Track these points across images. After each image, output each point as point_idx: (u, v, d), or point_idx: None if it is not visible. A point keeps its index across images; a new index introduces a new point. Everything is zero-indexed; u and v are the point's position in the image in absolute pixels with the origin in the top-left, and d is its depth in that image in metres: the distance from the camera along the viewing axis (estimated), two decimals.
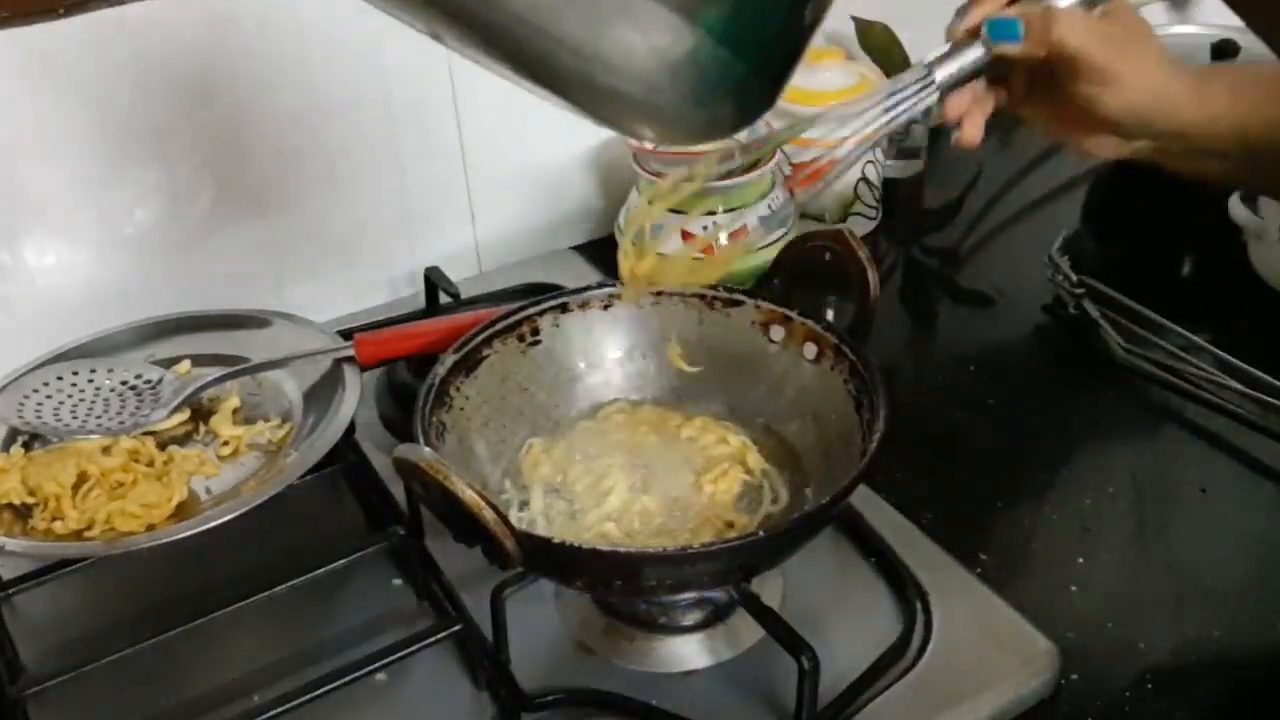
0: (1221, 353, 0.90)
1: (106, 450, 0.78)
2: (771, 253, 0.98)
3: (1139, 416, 0.91)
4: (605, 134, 1.11)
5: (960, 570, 0.75)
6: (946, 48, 0.69)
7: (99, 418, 0.80)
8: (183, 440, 0.82)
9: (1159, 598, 0.76)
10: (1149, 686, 0.69)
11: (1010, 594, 0.73)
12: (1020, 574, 0.76)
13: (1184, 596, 0.76)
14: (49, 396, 0.81)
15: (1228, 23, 1.29)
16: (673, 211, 1.00)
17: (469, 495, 0.57)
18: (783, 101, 1.16)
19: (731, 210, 0.99)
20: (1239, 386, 0.86)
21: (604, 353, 0.81)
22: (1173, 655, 0.72)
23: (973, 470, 0.85)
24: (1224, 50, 1.18)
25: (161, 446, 0.80)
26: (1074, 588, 0.76)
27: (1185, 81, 0.68)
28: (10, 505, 0.75)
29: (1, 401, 0.80)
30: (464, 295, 0.98)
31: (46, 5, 0.83)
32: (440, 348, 0.76)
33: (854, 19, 1.18)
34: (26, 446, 0.80)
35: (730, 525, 0.71)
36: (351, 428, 0.81)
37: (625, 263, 0.73)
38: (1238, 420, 0.84)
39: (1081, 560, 0.78)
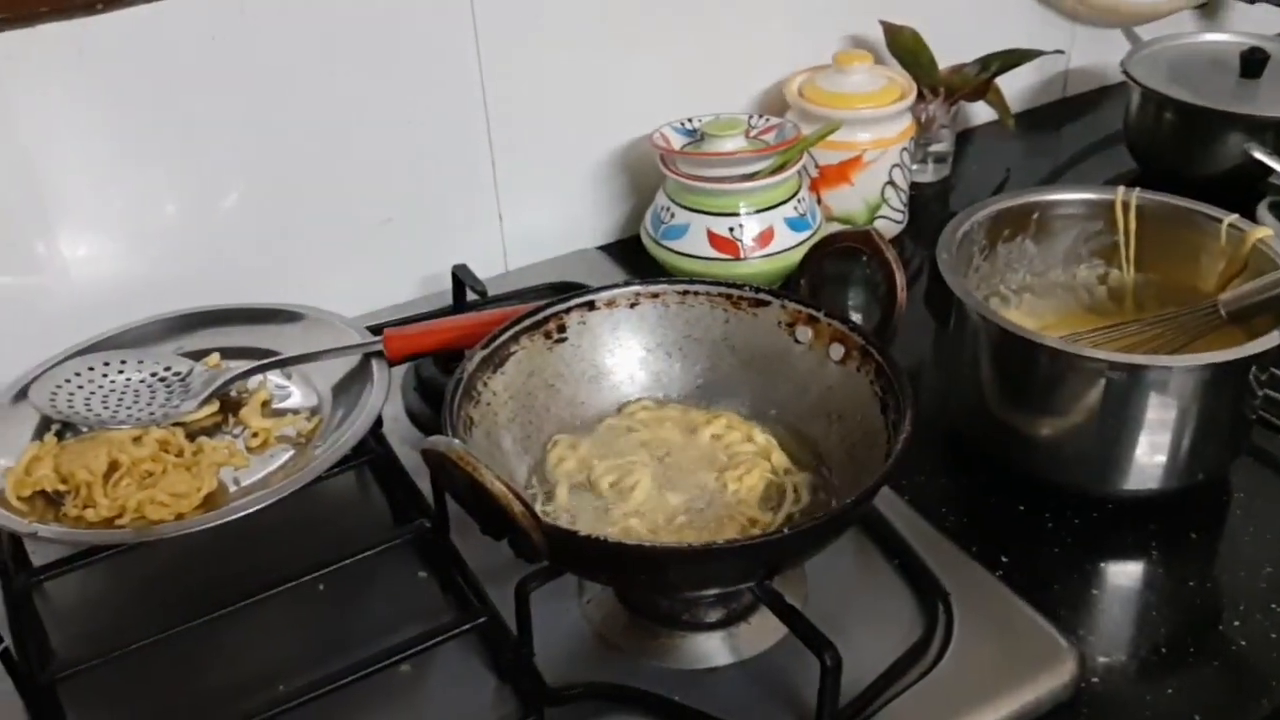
0: None
1: (137, 440, 0.78)
2: (798, 254, 0.99)
3: None
4: (633, 134, 1.12)
5: (982, 572, 0.75)
6: None
7: (129, 408, 0.81)
8: (212, 432, 0.83)
9: (1182, 603, 0.76)
10: (1169, 692, 0.69)
11: (1032, 597, 0.73)
12: (1042, 577, 0.76)
13: (1207, 603, 0.76)
14: (80, 387, 0.82)
15: (1258, 30, 1.29)
16: (701, 212, 1.00)
17: (498, 487, 0.57)
18: (810, 104, 1.17)
19: (758, 212, 1.00)
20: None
21: (629, 350, 0.81)
22: (1195, 662, 0.72)
23: (995, 472, 0.85)
24: (1253, 58, 1.17)
25: (191, 437, 0.81)
26: (1095, 591, 0.76)
27: None
28: (43, 492, 0.76)
29: (35, 391, 0.81)
30: (491, 293, 0.99)
31: (84, 0, 0.84)
32: (468, 344, 0.77)
33: (882, 23, 1.18)
34: (59, 435, 0.80)
35: (754, 523, 0.72)
36: (379, 421, 0.82)
37: None
38: (1260, 423, 0.83)
39: (1104, 564, 0.78)
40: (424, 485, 0.79)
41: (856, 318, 0.79)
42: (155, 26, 0.87)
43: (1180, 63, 1.23)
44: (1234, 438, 0.81)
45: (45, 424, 0.81)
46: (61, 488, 0.76)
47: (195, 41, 0.89)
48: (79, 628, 0.75)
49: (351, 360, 0.84)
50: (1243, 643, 0.72)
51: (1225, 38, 1.26)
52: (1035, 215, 0.91)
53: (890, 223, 1.13)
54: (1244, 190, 1.08)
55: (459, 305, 1.00)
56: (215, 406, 0.84)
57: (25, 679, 0.69)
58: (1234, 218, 0.86)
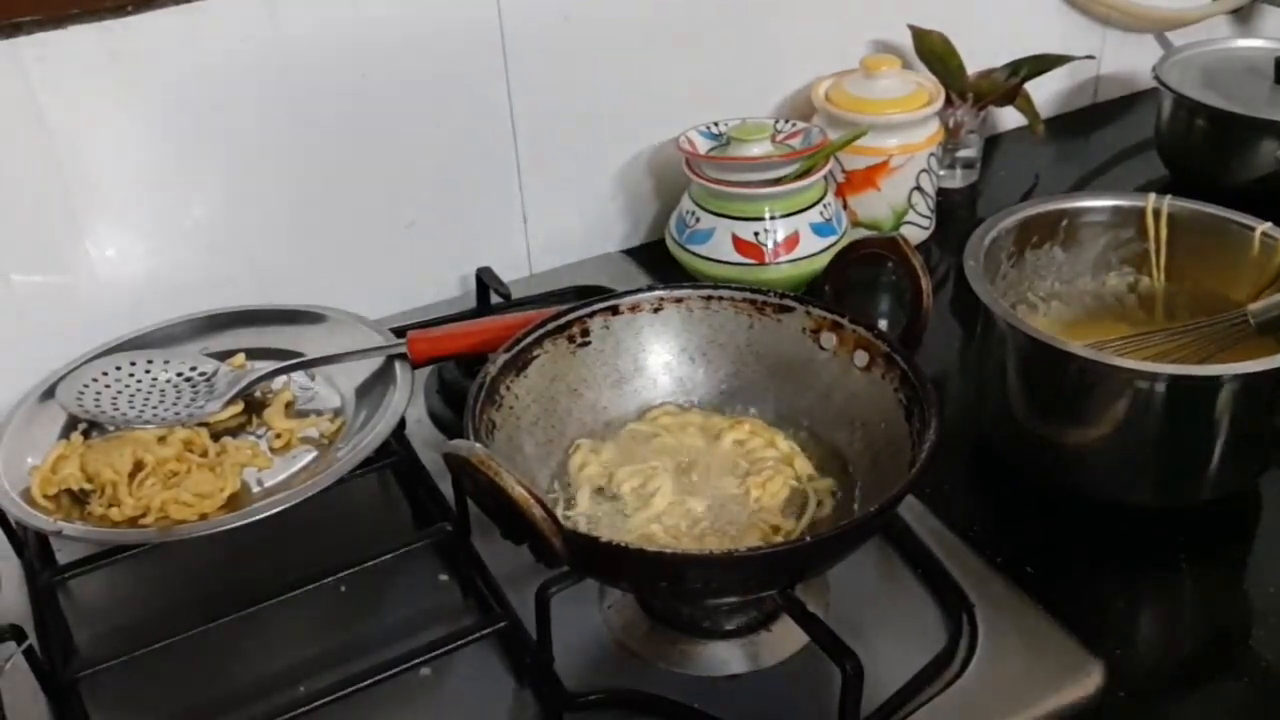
0: None
1: (162, 440, 0.79)
2: (823, 260, 0.99)
3: None
4: (659, 138, 1.11)
5: (1007, 583, 0.75)
6: None
7: (155, 408, 0.82)
8: (236, 432, 0.83)
9: (1211, 617, 0.75)
10: (1196, 707, 0.68)
11: (1057, 608, 0.72)
12: (1068, 589, 0.75)
13: (1236, 617, 0.75)
14: (107, 386, 0.83)
15: None
16: (727, 217, 1.00)
17: (518, 492, 0.57)
18: (837, 109, 1.17)
19: (784, 217, 0.99)
20: None
21: (652, 355, 0.81)
22: (1223, 677, 0.71)
23: (1021, 482, 0.84)
24: None
25: (215, 437, 0.81)
26: (1122, 604, 0.75)
27: None
28: (68, 491, 0.76)
29: (61, 390, 0.82)
30: (514, 296, 0.99)
31: (116, 3, 0.84)
32: (491, 347, 0.77)
33: (911, 27, 1.17)
34: (85, 434, 0.81)
35: (776, 530, 0.71)
36: (402, 424, 0.82)
37: None
38: None
39: (1131, 577, 0.77)
40: (446, 488, 0.79)
41: (882, 325, 0.78)
42: (186, 29, 0.87)
43: (1213, 69, 1.21)
44: (1264, 449, 0.80)
45: (72, 423, 0.82)
46: (87, 486, 0.77)
47: (226, 43, 0.89)
48: (102, 626, 0.76)
49: (375, 362, 0.84)
50: (1271, 658, 0.71)
51: (1259, 44, 1.25)
52: (1064, 222, 0.91)
53: (917, 229, 1.13)
54: (1277, 199, 1.06)
55: (483, 308, 1.00)
56: (240, 407, 0.84)
57: (48, 676, 0.70)
58: (1267, 226, 0.85)
